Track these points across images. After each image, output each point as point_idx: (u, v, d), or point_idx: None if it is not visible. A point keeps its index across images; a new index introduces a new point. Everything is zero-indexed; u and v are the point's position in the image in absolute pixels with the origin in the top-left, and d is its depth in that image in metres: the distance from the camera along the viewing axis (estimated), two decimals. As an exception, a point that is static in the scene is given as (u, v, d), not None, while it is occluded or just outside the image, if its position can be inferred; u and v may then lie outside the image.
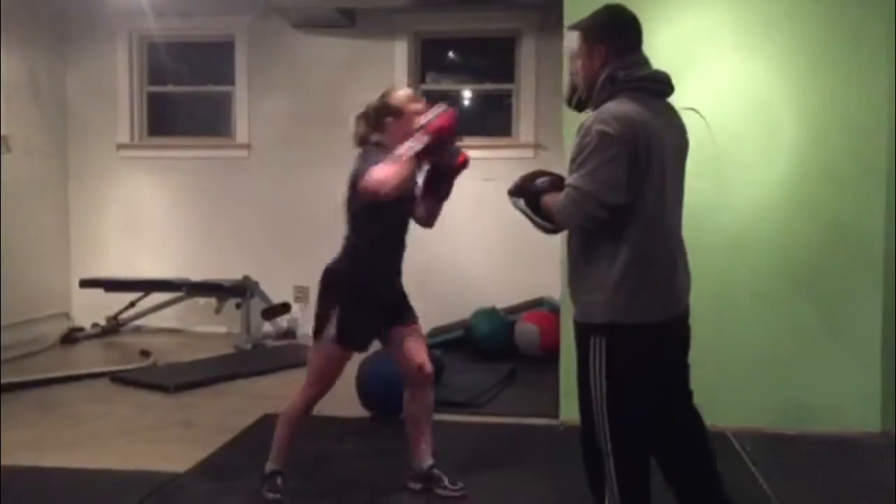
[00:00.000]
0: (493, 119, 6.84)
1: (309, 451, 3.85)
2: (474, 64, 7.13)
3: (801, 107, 4.01)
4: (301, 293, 6.66)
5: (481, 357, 5.72)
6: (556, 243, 4.20)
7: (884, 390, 4.02)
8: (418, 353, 3.18)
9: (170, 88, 7.06)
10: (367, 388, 4.37)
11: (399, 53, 6.60)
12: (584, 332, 2.26)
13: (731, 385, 4.03)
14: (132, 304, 6.64)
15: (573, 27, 2.34)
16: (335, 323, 3.04)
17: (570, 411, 4.15)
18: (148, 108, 7.05)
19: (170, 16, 6.38)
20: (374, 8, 6.38)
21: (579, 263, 2.27)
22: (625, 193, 2.12)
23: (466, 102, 7.02)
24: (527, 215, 2.40)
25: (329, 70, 6.66)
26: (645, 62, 2.28)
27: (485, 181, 5.38)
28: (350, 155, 6.97)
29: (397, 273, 3.21)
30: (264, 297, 6.58)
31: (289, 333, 6.64)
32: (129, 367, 5.42)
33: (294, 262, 6.64)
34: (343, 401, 4.51)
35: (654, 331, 2.21)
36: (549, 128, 6.01)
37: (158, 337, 6.54)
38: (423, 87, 6.80)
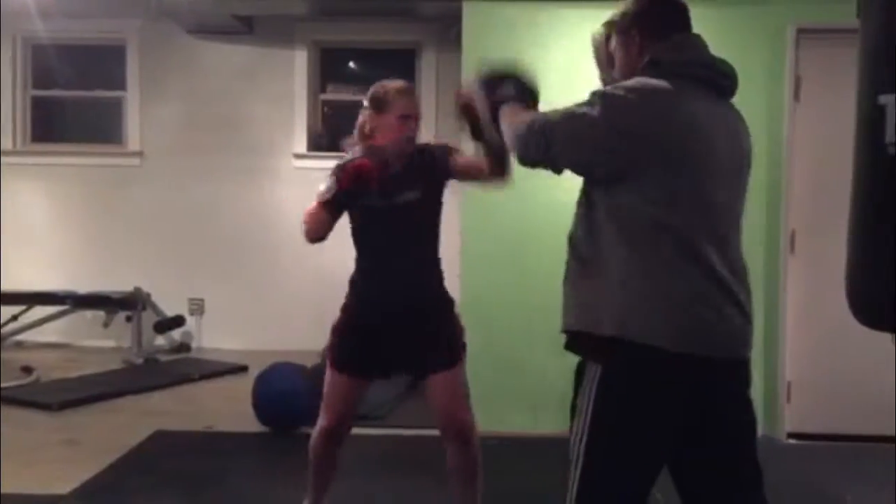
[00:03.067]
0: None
1: (200, 467, 3.76)
2: (375, 75, 7.00)
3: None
4: (196, 305, 6.49)
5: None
6: (456, 250, 4.25)
7: (765, 397, 4.19)
8: (449, 409, 2.68)
9: (56, 93, 6.77)
10: (262, 403, 4.28)
11: (299, 62, 6.53)
12: (583, 346, 1.83)
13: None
14: (14, 318, 6.31)
15: (606, 24, 2.01)
16: (330, 343, 2.76)
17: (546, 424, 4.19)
18: (32, 113, 6.74)
19: (57, 17, 6.13)
20: (272, 15, 6.29)
21: (578, 256, 1.87)
22: (598, 162, 1.75)
23: (367, 113, 6.99)
24: (477, 119, 2.10)
25: (226, 78, 6.52)
26: (697, 45, 1.88)
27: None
28: (246, 165, 6.87)
29: (407, 295, 2.66)
30: (157, 310, 6.37)
31: (183, 347, 6.45)
32: (10, 384, 5.14)
33: (189, 273, 6.46)
34: (239, 416, 4.43)
35: (673, 361, 1.71)
36: (448, 139, 6.05)
37: (42, 352, 6.24)
38: (323, 96, 6.74)
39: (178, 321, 6.36)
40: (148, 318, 6.28)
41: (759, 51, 4.18)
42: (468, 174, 2.68)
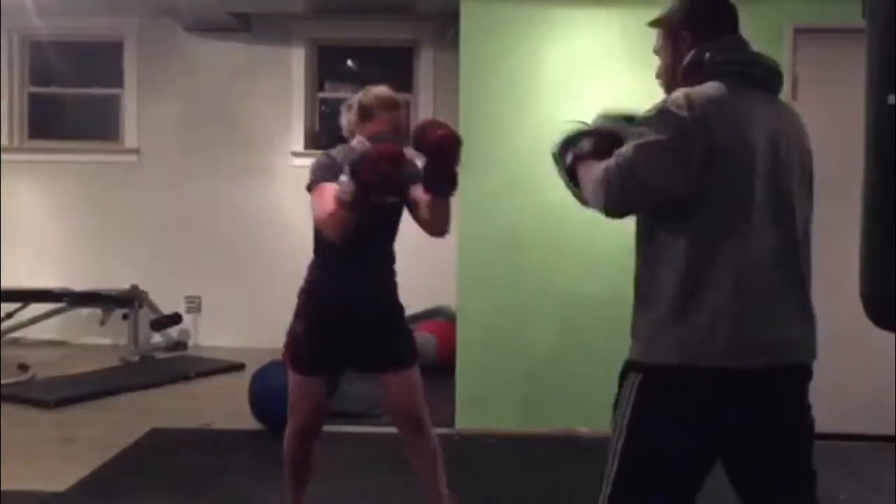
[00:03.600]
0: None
1: (197, 464, 3.76)
2: (373, 73, 7.11)
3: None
4: (193, 303, 6.48)
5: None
6: (452, 250, 4.25)
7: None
8: (407, 406, 2.73)
9: (53, 90, 6.76)
10: (258, 400, 4.28)
11: (296, 60, 6.53)
12: (625, 368, 1.82)
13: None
14: (10, 315, 6.30)
15: (653, 23, 1.99)
16: (287, 343, 2.75)
17: (465, 421, 4.20)
18: (30, 110, 6.73)
19: (54, 14, 6.11)
20: (269, 13, 6.28)
21: (636, 285, 1.85)
22: (681, 183, 1.71)
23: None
24: (567, 185, 2.03)
25: (223, 75, 6.52)
26: (742, 45, 1.89)
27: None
28: (243, 163, 6.86)
29: (361, 294, 2.67)
30: (153, 308, 6.36)
31: (179, 345, 6.44)
32: (6, 381, 5.13)
33: (185, 271, 6.46)
34: (235, 413, 4.42)
35: (707, 377, 1.69)
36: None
37: (38, 350, 6.22)
38: (321, 94, 6.74)
39: (174, 319, 6.35)
40: (145, 316, 6.26)
41: (757, 50, 4.18)
42: (417, 212, 2.65)
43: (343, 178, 2.38)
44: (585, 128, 2.00)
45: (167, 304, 6.39)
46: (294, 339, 2.72)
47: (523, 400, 4.32)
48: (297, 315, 2.73)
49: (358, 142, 2.62)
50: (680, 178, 1.71)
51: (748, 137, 1.73)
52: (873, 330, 2.34)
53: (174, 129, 6.56)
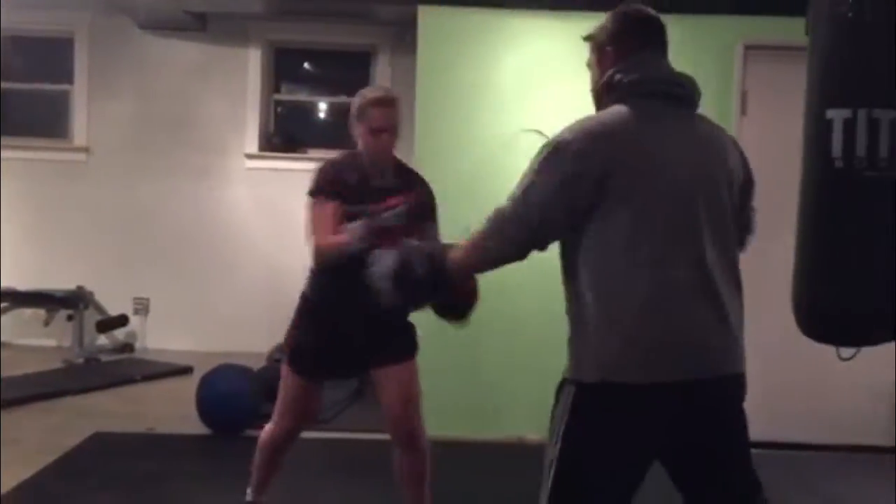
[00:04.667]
0: (347, 131, 6.76)
1: (139, 470, 3.69)
2: (330, 76, 7.09)
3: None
4: (141, 305, 6.37)
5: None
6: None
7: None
8: (401, 410, 2.67)
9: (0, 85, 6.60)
10: (206, 404, 4.23)
11: (252, 61, 6.47)
12: (560, 383, 1.85)
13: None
14: (-51, 315, 6.13)
15: (587, 37, 2.00)
16: (286, 343, 2.75)
17: (430, 427, 4.18)
18: (-27, 105, 6.57)
19: (3, 7, 5.96)
20: (226, 13, 6.22)
21: (566, 306, 1.86)
22: (570, 209, 1.74)
23: (322, 115, 6.97)
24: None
25: (178, 74, 6.43)
26: (654, 62, 1.88)
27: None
28: (197, 164, 6.78)
29: (363, 301, 2.53)
30: (99, 309, 6.24)
31: (126, 347, 6.33)
32: (-57, 382, 4.99)
33: (134, 272, 6.35)
34: (182, 418, 4.36)
35: (630, 394, 1.72)
36: (404, 143, 6.05)
37: (-21, 350, 6.07)
38: (277, 97, 6.69)
39: (121, 320, 6.24)
40: (90, 318, 6.15)
41: (709, 66, 4.25)
42: None
43: (359, 232, 2.45)
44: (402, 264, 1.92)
45: (114, 305, 6.28)
46: (294, 343, 2.71)
47: (472, 407, 4.33)
48: (297, 319, 2.73)
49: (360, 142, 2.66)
50: (562, 213, 1.74)
51: (651, 158, 1.75)
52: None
53: (126, 128, 6.45)
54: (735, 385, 1.83)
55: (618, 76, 1.84)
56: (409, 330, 2.76)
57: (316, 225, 2.56)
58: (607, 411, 1.74)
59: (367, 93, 2.72)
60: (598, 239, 1.74)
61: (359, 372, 2.81)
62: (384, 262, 1.91)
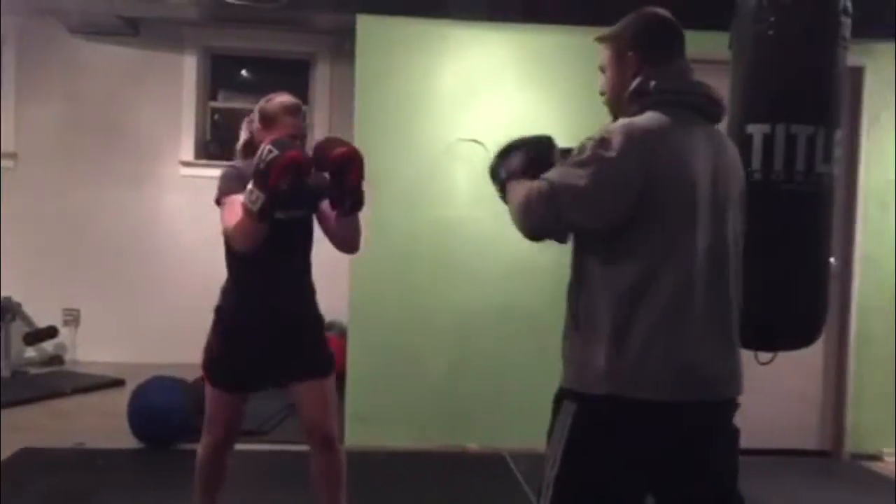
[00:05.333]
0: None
1: (69, 486, 3.59)
2: (268, 84, 6.96)
3: (578, 140, 4.30)
4: (71, 316, 6.20)
5: (267, 383, 5.59)
6: (344, 264, 4.22)
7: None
8: (319, 418, 2.69)
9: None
10: (138, 418, 4.13)
11: (188, 67, 6.37)
12: (559, 396, 1.83)
13: (507, 407, 4.20)
14: None
15: (600, 38, 1.94)
16: (204, 357, 2.73)
17: (354, 437, 4.16)
18: None
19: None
20: (159, 18, 6.11)
21: (569, 306, 1.84)
22: (601, 217, 1.72)
23: (258, 123, 6.88)
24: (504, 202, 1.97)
25: (110, 80, 6.29)
26: (690, 74, 1.86)
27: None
28: (129, 171, 6.62)
29: (278, 308, 2.62)
30: (27, 320, 6.05)
31: (55, 360, 6.15)
32: None
33: (63, 282, 6.17)
34: (113, 431, 4.25)
35: (638, 411, 1.69)
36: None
37: None
38: (214, 104, 6.60)
39: (50, 332, 6.06)
40: (17, 329, 5.95)
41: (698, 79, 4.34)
42: (327, 227, 2.65)
43: (249, 186, 2.33)
44: (516, 141, 1.97)
45: (43, 316, 6.10)
46: (210, 356, 2.69)
47: (413, 416, 4.32)
48: (213, 331, 2.70)
49: (264, 147, 2.54)
50: (594, 216, 1.72)
51: (687, 169, 1.73)
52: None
53: (55, 134, 6.28)
54: (732, 408, 1.83)
55: (654, 83, 1.80)
56: (327, 346, 2.75)
57: (228, 216, 2.47)
58: (613, 426, 1.71)
59: (277, 99, 2.66)
60: (621, 249, 1.72)
61: (273, 384, 2.79)
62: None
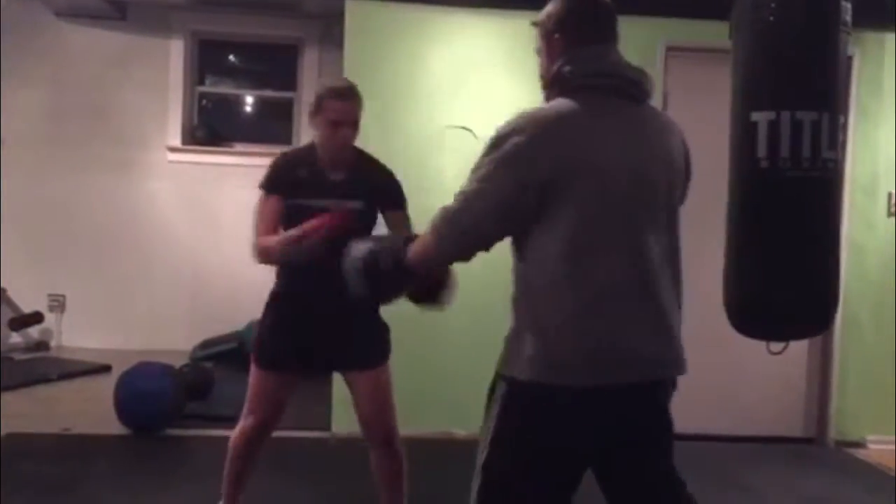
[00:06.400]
0: (274, 126, 6.71)
1: (54, 472, 3.57)
2: (256, 69, 6.97)
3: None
4: (56, 302, 6.16)
5: (254, 370, 5.58)
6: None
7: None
8: (375, 412, 2.67)
9: None
10: (124, 403, 4.12)
11: (175, 52, 6.31)
12: (494, 378, 1.81)
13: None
14: None
15: (533, 23, 1.92)
16: (255, 339, 2.71)
17: (341, 423, 4.16)
18: None
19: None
20: (146, 2, 6.06)
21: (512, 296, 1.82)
22: (507, 226, 1.72)
23: (248, 108, 6.86)
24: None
25: (96, 64, 6.23)
26: (606, 55, 1.82)
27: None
28: (116, 157, 6.57)
29: (332, 294, 2.47)
30: (12, 306, 6.02)
31: (41, 345, 6.12)
32: None
33: (49, 268, 6.14)
34: (99, 417, 4.24)
35: (562, 396, 1.68)
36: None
37: None
38: (201, 89, 6.55)
39: (35, 318, 6.04)
40: (3, 315, 5.94)
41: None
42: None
43: (284, 240, 2.43)
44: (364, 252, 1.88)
45: (28, 302, 6.07)
46: (260, 337, 2.68)
47: (400, 402, 4.31)
48: (265, 313, 2.69)
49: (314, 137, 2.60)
50: (505, 222, 1.70)
51: (598, 153, 1.70)
52: (733, 334, 2.43)
53: (41, 119, 6.22)
54: (665, 389, 1.81)
55: (567, 68, 1.77)
56: (383, 332, 2.74)
57: (257, 220, 2.55)
58: (539, 412, 1.70)
59: (327, 83, 2.66)
60: (542, 239, 1.70)
61: (327, 372, 2.77)
62: (353, 254, 1.88)
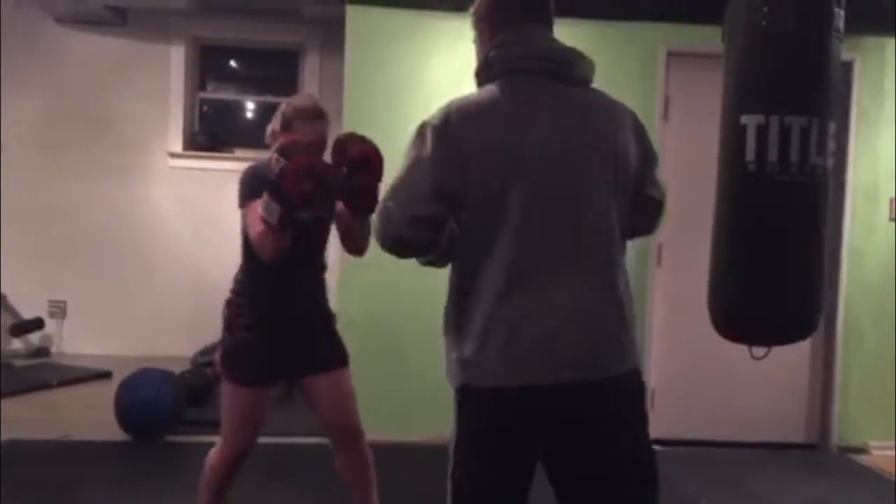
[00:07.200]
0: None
1: (54, 478, 3.57)
2: (257, 75, 6.98)
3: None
4: (57, 308, 6.16)
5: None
6: (332, 256, 4.20)
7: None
8: (338, 409, 2.64)
9: None
10: (125, 410, 4.11)
11: (175, 58, 6.32)
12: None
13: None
14: None
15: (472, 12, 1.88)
16: (220, 353, 2.66)
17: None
18: None
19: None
20: (147, 8, 6.06)
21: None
22: (437, 202, 1.63)
23: (249, 114, 6.87)
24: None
25: (96, 71, 6.24)
26: (533, 36, 1.75)
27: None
28: (116, 162, 6.57)
29: (298, 301, 2.61)
30: (13, 312, 6.02)
31: (41, 352, 6.11)
32: None
33: (49, 274, 6.13)
34: (99, 423, 4.23)
35: (485, 398, 1.65)
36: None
37: None
38: (203, 95, 6.56)
39: (36, 324, 6.03)
40: (4, 321, 5.93)
41: (632, 71, 4.35)
42: (338, 225, 2.64)
43: (265, 198, 2.30)
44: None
45: (29, 308, 6.07)
46: (228, 352, 2.61)
47: (398, 408, 4.31)
48: (229, 327, 2.61)
49: (272, 156, 2.45)
50: (430, 206, 1.63)
51: (515, 143, 1.63)
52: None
53: (41, 125, 6.22)
54: (608, 386, 1.67)
55: (492, 53, 1.72)
56: (337, 337, 2.71)
57: (252, 224, 2.45)
58: (477, 416, 1.66)
59: (294, 102, 2.60)
60: (463, 233, 1.66)
61: (291, 377, 2.73)
62: None
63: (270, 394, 2.68)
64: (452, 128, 1.64)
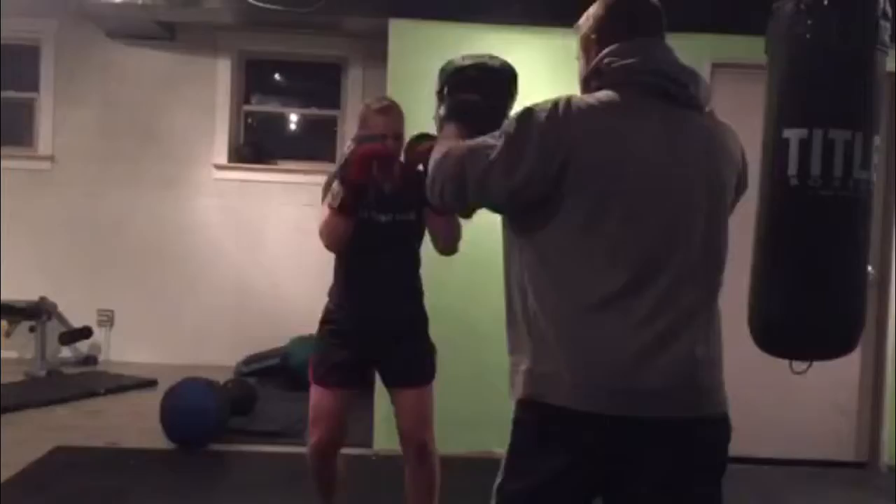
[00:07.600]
0: (318, 144, 6.79)
1: (101, 485, 3.62)
2: (301, 88, 7.07)
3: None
4: (105, 317, 6.27)
5: (298, 386, 5.58)
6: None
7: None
8: (413, 427, 2.76)
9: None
10: (171, 418, 4.17)
11: (222, 72, 6.42)
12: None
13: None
14: None
15: (575, 28, 1.83)
16: (313, 358, 2.80)
17: (383, 441, 4.15)
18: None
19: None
20: (195, 23, 6.18)
21: (506, 310, 1.70)
22: (506, 186, 1.57)
23: (293, 126, 6.95)
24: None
25: (145, 84, 6.37)
26: (649, 50, 1.67)
27: (306, 206, 5.31)
28: (164, 174, 6.69)
29: (384, 307, 2.70)
30: (63, 321, 6.14)
31: (90, 360, 6.22)
32: None
33: (98, 283, 6.25)
34: (146, 431, 4.29)
35: (556, 418, 1.54)
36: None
37: (-63, 362, 5.93)
38: (247, 107, 6.65)
39: (84, 332, 6.14)
40: (53, 329, 6.04)
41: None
42: (429, 228, 2.73)
43: (334, 185, 2.45)
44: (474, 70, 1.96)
45: (78, 317, 6.19)
46: (314, 353, 2.77)
47: (442, 421, 4.29)
48: (319, 329, 2.78)
49: (347, 146, 2.61)
50: (500, 182, 1.57)
51: (618, 152, 1.56)
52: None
53: (91, 137, 6.37)
54: (682, 429, 1.55)
55: (606, 60, 1.65)
56: (430, 352, 2.82)
57: (322, 215, 2.59)
58: (534, 434, 1.58)
59: (369, 102, 2.79)
60: (541, 240, 1.59)
61: (364, 383, 2.88)
62: None
63: (353, 394, 2.80)
64: (563, 120, 1.56)
